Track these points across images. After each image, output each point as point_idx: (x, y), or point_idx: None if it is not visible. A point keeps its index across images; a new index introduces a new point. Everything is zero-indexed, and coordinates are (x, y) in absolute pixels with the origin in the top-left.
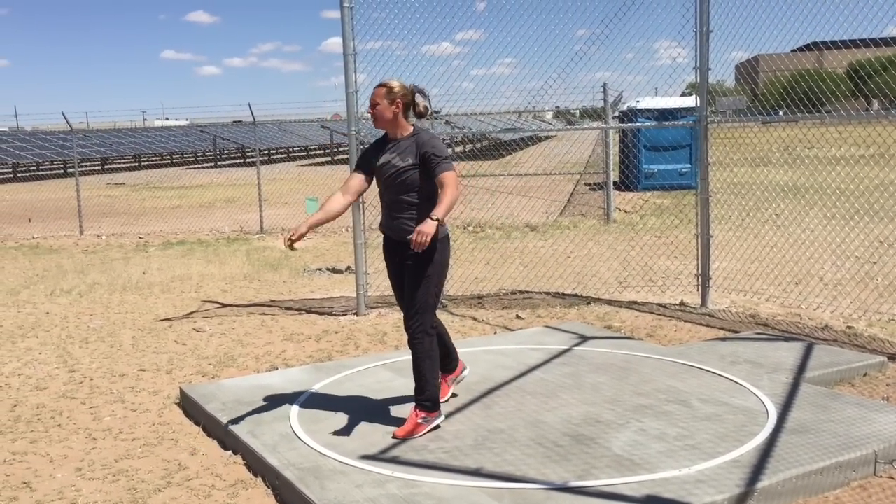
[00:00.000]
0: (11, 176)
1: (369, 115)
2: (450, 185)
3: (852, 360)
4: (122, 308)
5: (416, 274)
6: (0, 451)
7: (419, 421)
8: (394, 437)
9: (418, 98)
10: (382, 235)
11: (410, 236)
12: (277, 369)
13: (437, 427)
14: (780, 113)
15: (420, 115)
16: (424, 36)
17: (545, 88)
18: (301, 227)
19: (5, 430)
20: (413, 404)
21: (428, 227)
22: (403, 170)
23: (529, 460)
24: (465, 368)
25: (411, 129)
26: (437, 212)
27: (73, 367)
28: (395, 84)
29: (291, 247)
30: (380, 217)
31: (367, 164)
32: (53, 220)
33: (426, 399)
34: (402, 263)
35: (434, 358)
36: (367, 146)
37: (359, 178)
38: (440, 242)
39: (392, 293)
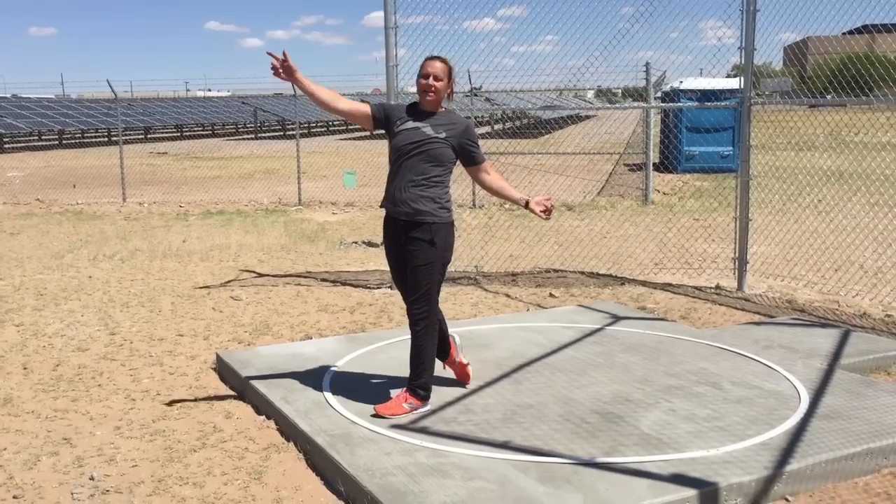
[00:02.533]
0: (57, 142)
1: (419, 88)
2: (495, 174)
3: (889, 348)
4: (162, 274)
5: (419, 260)
6: (42, 407)
7: (405, 405)
8: (374, 412)
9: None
10: (385, 216)
11: (422, 217)
12: (311, 339)
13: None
14: (829, 97)
15: (449, 98)
16: (467, 11)
17: (587, 67)
18: (291, 62)
19: (48, 388)
20: (406, 388)
21: (544, 199)
22: (437, 140)
23: (557, 435)
24: (454, 338)
25: (444, 108)
26: (521, 195)
27: (114, 329)
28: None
29: (278, 70)
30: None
31: (386, 114)
32: (97, 187)
33: (419, 386)
34: (404, 247)
35: (433, 345)
36: (387, 103)
37: (365, 109)
38: (443, 228)
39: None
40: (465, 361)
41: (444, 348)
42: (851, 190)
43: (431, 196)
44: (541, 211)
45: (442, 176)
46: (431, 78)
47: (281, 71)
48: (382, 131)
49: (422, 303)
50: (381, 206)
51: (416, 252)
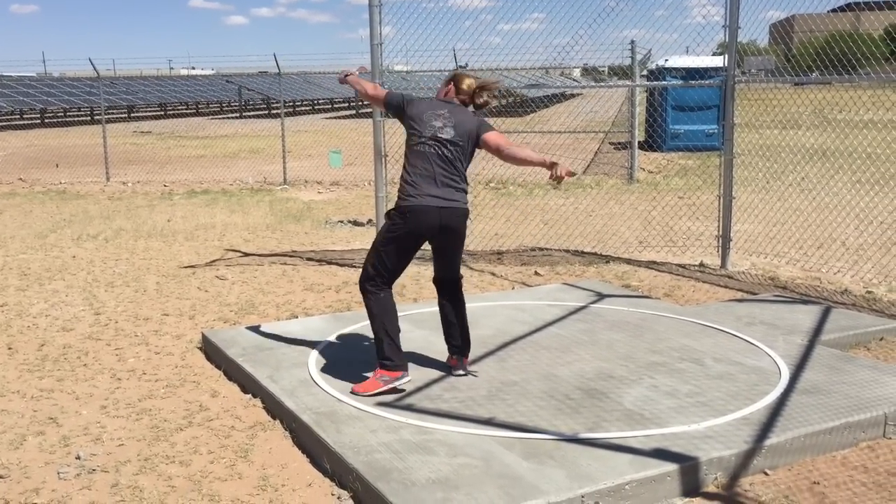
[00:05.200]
0: (39, 121)
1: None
2: (509, 143)
3: (869, 324)
4: (147, 254)
5: (459, 245)
6: (28, 387)
7: (377, 380)
8: (352, 391)
9: (481, 94)
10: (407, 212)
11: (462, 205)
12: (297, 318)
13: (399, 389)
14: (814, 75)
15: (478, 108)
16: None
17: (573, 45)
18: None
19: (33, 368)
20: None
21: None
22: (469, 136)
23: (541, 412)
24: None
25: (455, 100)
26: (542, 157)
27: (99, 309)
28: (467, 83)
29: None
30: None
31: (402, 103)
32: (80, 167)
33: (384, 357)
34: (439, 237)
35: (382, 315)
36: (410, 95)
37: (382, 94)
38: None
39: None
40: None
41: (466, 343)
42: (834, 168)
43: (462, 187)
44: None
45: (465, 167)
46: (455, 93)
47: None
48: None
49: (458, 276)
50: (409, 205)
51: (456, 239)
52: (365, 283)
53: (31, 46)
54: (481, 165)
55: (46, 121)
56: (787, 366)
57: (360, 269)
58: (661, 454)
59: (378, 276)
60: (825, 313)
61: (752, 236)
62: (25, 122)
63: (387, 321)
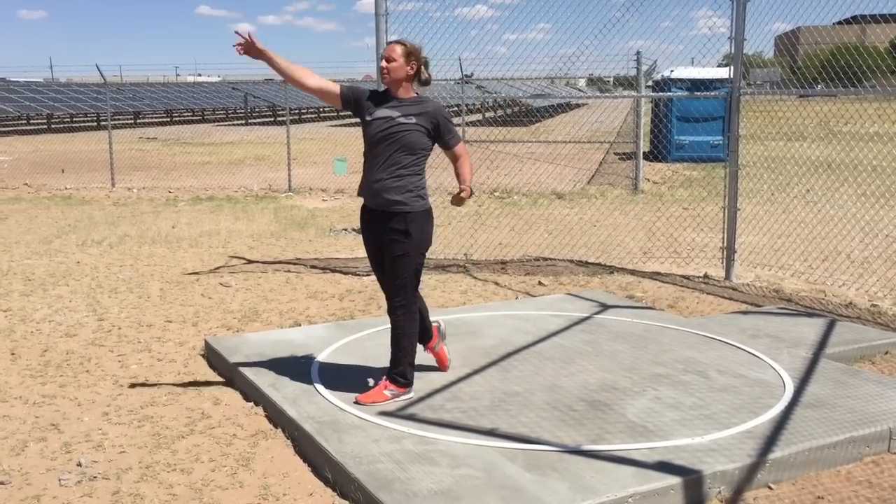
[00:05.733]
0: (46, 127)
1: (382, 70)
2: (467, 158)
3: (874, 338)
4: (151, 260)
5: (395, 250)
6: (30, 393)
7: (385, 392)
8: (356, 401)
9: (424, 68)
10: (362, 204)
11: (397, 207)
12: (300, 325)
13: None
14: (819, 87)
15: (424, 84)
16: None
17: (578, 55)
18: (258, 43)
19: (35, 374)
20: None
21: (467, 194)
22: (408, 127)
23: (544, 423)
24: (439, 325)
25: (415, 94)
26: (468, 182)
27: (102, 315)
28: (415, 45)
29: (245, 49)
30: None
31: (356, 98)
32: (86, 172)
33: (398, 373)
34: (381, 237)
35: (413, 334)
36: (358, 87)
37: (335, 89)
38: (419, 217)
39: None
40: (445, 350)
41: (425, 334)
42: (840, 180)
43: (404, 185)
44: (456, 195)
45: (415, 164)
46: (383, 60)
47: (243, 51)
48: (351, 113)
49: (400, 292)
50: (357, 195)
51: (392, 243)
52: (413, 298)
53: (38, 52)
54: (485, 175)
55: (53, 126)
56: (792, 379)
57: (355, 277)
58: (664, 467)
59: (417, 290)
60: (830, 326)
61: (756, 248)
62: (32, 127)
63: (415, 340)
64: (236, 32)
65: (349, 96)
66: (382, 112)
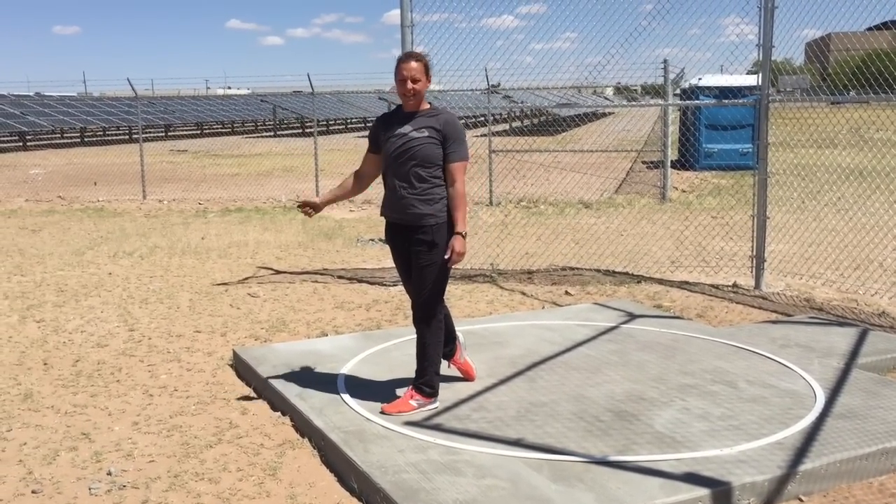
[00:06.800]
0: (79, 140)
1: (399, 93)
2: (460, 187)
3: None
4: (181, 271)
5: (422, 261)
6: (62, 403)
7: (411, 402)
8: (381, 411)
9: None
10: (386, 223)
11: (421, 220)
12: (327, 336)
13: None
14: (850, 93)
15: None
16: (486, 8)
17: (605, 64)
18: (314, 199)
19: (67, 384)
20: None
21: (461, 246)
22: (420, 141)
23: (570, 433)
24: (459, 338)
25: (429, 105)
26: (461, 226)
27: (133, 326)
28: (426, 56)
29: (306, 212)
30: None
31: (377, 141)
32: (118, 185)
33: (425, 383)
34: (408, 249)
35: (439, 344)
36: (373, 123)
37: (371, 160)
38: (443, 227)
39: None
40: (469, 361)
41: (450, 346)
42: (871, 188)
43: (425, 198)
44: (448, 256)
45: (434, 176)
46: (409, 82)
47: (314, 214)
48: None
49: (426, 302)
50: (381, 216)
51: (419, 254)
52: (439, 308)
53: (72, 67)
54: (511, 185)
55: (86, 139)
56: (823, 389)
57: (381, 287)
58: (692, 478)
59: (442, 299)
60: (862, 336)
61: (786, 257)
62: (66, 140)
63: (440, 350)
64: (299, 209)
65: (374, 148)
66: (396, 129)
